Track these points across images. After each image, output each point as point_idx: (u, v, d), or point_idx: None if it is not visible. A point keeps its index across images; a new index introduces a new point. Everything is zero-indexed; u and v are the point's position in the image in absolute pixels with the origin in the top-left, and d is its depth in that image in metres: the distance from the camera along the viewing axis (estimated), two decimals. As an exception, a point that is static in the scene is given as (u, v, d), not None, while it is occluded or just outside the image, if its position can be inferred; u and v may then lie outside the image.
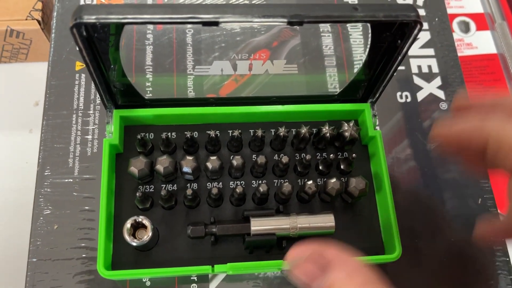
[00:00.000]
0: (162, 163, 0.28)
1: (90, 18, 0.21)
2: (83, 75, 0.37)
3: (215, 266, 0.28)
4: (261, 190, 0.29)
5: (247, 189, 0.31)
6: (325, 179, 0.30)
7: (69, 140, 0.35)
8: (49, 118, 0.35)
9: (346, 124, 0.31)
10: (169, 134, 0.31)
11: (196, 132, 0.32)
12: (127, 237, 0.27)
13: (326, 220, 0.29)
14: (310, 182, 0.29)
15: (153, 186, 0.31)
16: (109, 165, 0.29)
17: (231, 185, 0.31)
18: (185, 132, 0.30)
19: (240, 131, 0.30)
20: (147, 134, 0.31)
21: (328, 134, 0.31)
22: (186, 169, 0.29)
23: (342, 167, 0.32)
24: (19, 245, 0.36)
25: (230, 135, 0.31)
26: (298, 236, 0.29)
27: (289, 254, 0.23)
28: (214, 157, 0.29)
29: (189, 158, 0.29)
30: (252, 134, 0.31)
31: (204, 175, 0.31)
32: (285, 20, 0.22)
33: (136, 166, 0.29)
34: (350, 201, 0.31)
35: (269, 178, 0.32)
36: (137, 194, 0.28)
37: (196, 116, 0.31)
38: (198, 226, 0.28)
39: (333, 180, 0.29)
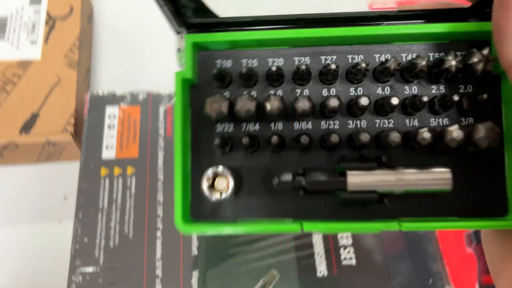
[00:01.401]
0: (243, 105, 0.23)
1: None
2: (107, 180, 0.45)
3: (304, 224, 0.23)
4: (362, 139, 0.23)
5: (342, 130, 0.25)
6: (444, 127, 0.23)
7: (95, 234, 0.43)
8: (79, 216, 0.43)
9: (477, 53, 0.22)
10: (250, 61, 0.25)
11: (282, 59, 0.25)
12: (205, 190, 0.23)
13: (441, 177, 0.23)
14: (424, 130, 0.23)
15: (232, 124, 0.25)
16: (182, 103, 0.24)
17: (323, 126, 0.25)
18: (268, 60, 0.24)
19: (336, 64, 0.24)
20: (224, 62, 0.25)
21: (453, 66, 0.23)
22: (271, 111, 0.23)
23: (464, 106, 0.24)
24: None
25: (323, 63, 0.24)
26: (403, 194, 0.23)
27: None
28: (305, 98, 0.23)
29: (275, 98, 0.23)
30: (350, 61, 0.25)
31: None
32: None
33: (214, 107, 0.23)
34: (472, 150, 0.23)
35: (369, 118, 0.25)
36: (216, 141, 0.23)
37: (282, 40, 0.25)
38: (286, 180, 0.23)
39: (455, 129, 0.22)
